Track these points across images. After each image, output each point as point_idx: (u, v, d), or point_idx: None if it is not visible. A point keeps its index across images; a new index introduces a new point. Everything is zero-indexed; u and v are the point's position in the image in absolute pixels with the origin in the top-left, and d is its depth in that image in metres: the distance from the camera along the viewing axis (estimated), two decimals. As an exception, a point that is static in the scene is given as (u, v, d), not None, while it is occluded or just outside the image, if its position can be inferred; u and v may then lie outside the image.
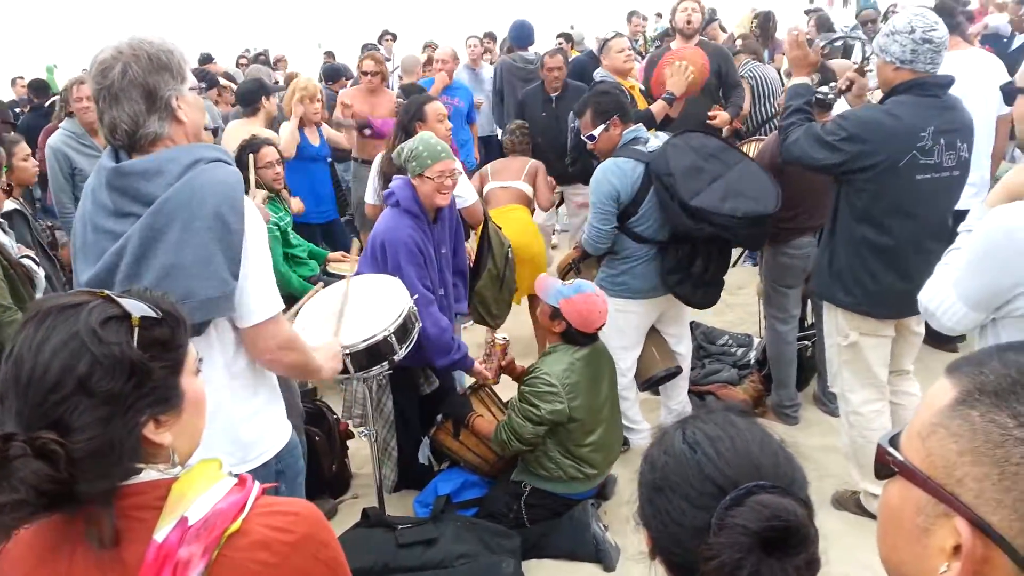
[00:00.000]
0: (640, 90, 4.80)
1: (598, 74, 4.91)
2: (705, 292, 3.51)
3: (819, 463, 3.57)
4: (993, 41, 6.01)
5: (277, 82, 9.00)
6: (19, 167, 4.01)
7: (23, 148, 4.10)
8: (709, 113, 4.90)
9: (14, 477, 0.91)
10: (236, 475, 1.11)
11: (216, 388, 1.86)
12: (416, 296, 2.97)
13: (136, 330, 1.04)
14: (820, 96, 3.40)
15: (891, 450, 0.79)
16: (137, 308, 1.05)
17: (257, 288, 1.83)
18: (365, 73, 5.56)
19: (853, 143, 2.74)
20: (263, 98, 4.88)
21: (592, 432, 3.02)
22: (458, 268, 3.53)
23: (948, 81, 2.75)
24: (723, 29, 8.11)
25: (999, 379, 0.72)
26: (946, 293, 1.77)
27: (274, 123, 5.10)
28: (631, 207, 3.40)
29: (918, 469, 0.75)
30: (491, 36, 10.47)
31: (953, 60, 3.90)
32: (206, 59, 11.20)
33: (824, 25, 7.69)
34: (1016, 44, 6.32)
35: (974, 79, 3.82)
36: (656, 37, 11.30)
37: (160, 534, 1.00)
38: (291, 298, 3.48)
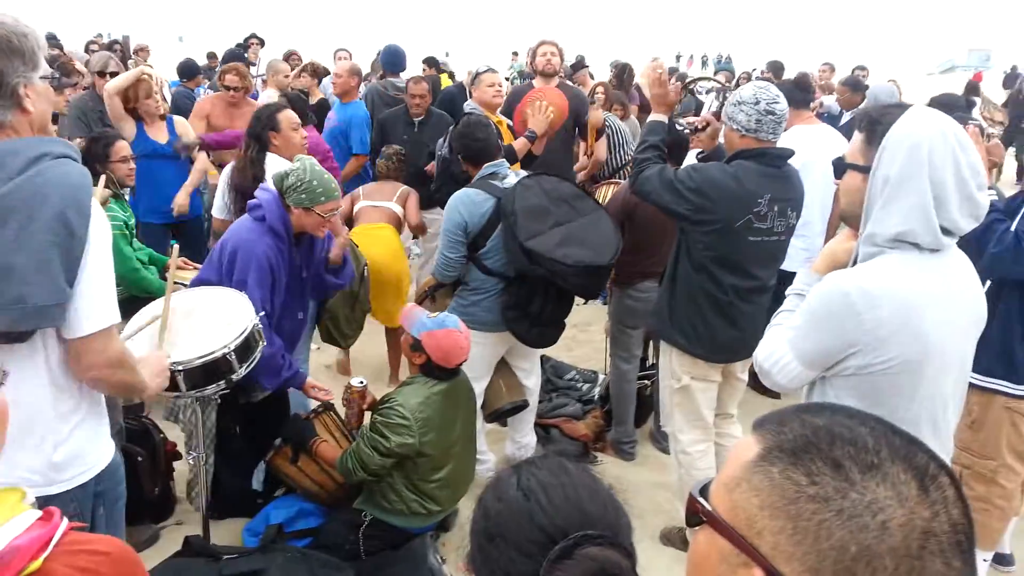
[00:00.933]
0: (508, 125, 4.91)
1: (467, 106, 4.98)
2: (541, 332, 3.56)
3: (650, 498, 3.72)
4: (826, 119, 6.66)
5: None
6: None
7: None
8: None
9: None
10: (41, 508, 1.00)
11: (37, 399, 1.73)
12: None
13: None
14: (677, 130, 3.61)
15: (700, 499, 0.84)
16: None
17: (92, 297, 1.70)
18: (228, 88, 5.29)
19: (699, 196, 2.92)
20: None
21: (441, 468, 2.98)
22: (319, 290, 3.44)
23: (788, 154, 3.00)
24: (591, 76, 8.46)
25: (796, 439, 0.77)
26: (782, 352, 1.87)
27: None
28: (479, 239, 3.44)
29: (723, 519, 0.79)
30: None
31: (803, 133, 4.31)
32: (50, 39, 10.30)
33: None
34: (844, 120, 7.06)
35: (819, 151, 4.22)
36: (516, 75, 11.60)
37: None
38: (151, 299, 3.28)
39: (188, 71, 7.96)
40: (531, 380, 3.87)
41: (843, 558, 0.70)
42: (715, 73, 8.73)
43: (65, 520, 1.01)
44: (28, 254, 1.58)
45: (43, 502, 1.71)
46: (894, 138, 1.70)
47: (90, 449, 1.87)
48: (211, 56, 12.41)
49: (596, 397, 4.44)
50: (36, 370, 1.71)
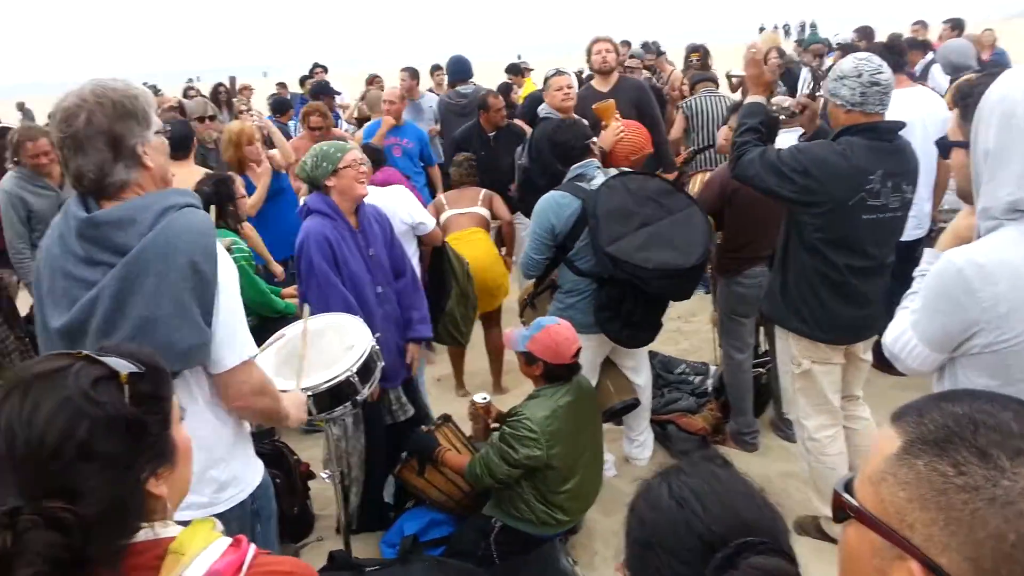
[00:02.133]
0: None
1: (542, 110, 5.01)
2: (633, 333, 3.51)
3: (779, 489, 3.63)
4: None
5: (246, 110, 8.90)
6: None
7: None
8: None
9: (29, 551, 0.89)
10: (231, 536, 1.10)
11: (198, 427, 1.85)
12: (316, 280, 3.07)
13: (126, 387, 1.03)
14: (773, 114, 3.51)
15: (846, 495, 0.85)
16: (121, 365, 1.04)
17: (229, 333, 1.83)
18: (312, 128, 5.51)
19: (805, 177, 2.83)
20: (194, 138, 4.94)
21: (569, 480, 2.99)
22: (396, 268, 3.48)
23: (898, 126, 2.87)
24: (669, 63, 8.33)
25: (938, 429, 0.78)
26: (908, 336, 1.81)
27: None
28: (568, 241, 3.45)
29: (872, 514, 0.80)
30: (438, 68, 10.58)
31: (899, 98, 4.11)
32: (153, 92, 10.99)
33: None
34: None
35: (918, 115, 4.01)
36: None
37: None
38: (281, 319, 3.61)
39: (280, 106, 8.35)
40: (640, 377, 3.84)
41: (1002, 546, 0.70)
42: (806, 47, 8.30)
43: (253, 546, 1.09)
44: (169, 302, 1.71)
45: None
46: (986, 109, 1.63)
47: (245, 469, 2.02)
48: (280, 85, 13.01)
49: (710, 389, 4.37)
50: (194, 403, 1.85)
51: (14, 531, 0.90)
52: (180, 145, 4.76)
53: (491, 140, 5.60)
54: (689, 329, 5.66)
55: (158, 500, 1.06)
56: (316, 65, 11.01)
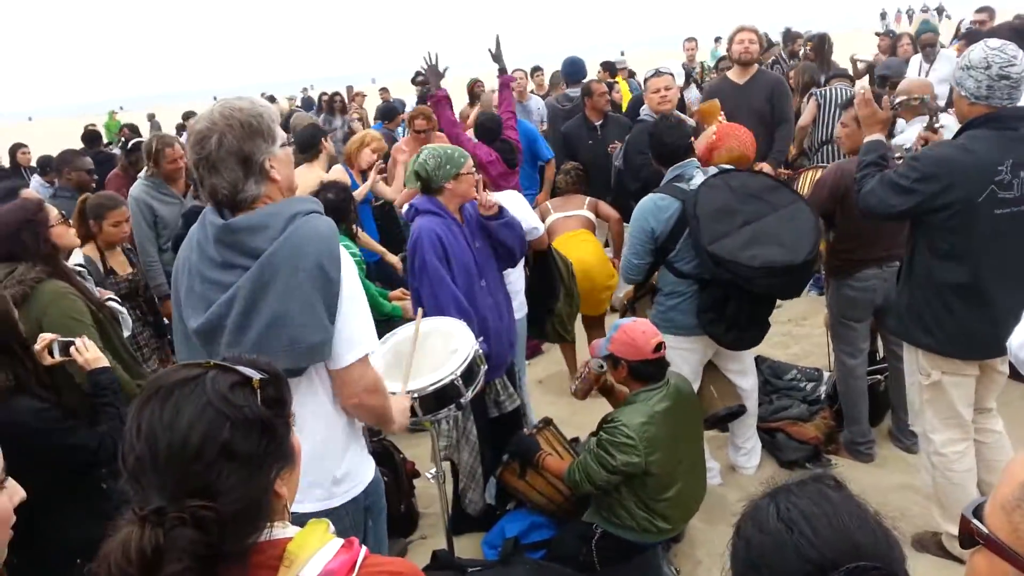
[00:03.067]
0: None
1: (643, 111, 4.95)
2: (738, 335, 3.42)
3: (897, 503, 3.45)
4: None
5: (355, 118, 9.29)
6: (108, 231, 3.83)
7: (119, 213, 3.86)
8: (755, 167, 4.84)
9: (176, 547, 0.97)
10: (344, 536, 1.16)
11: (320, 426, 1.98)
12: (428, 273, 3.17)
13: (258, 392, 1.11)
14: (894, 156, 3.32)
15: (976, 522, 0.81)
16: (252, 372, 1.12)
17: (351, 330, 1.93)
18: (417, 131, 5.66)
19: (928, 183, 2.68)
20: (322, 140, 5.19)
21: (670, 487, 2.95)
22: (498, 257, 3.51)
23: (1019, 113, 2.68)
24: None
25: None
26: None
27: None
28: (668, 243, 3.40)
29: (1006, 544, 0.76)
30: (539, 69, 10.64)
31: None
32: (269, 100, 11.60)
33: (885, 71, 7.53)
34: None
35: None
36: (714, 65, 11.25)
37: None
38: (388, 322, 3.75)
39: (388, 113, 8.60)
40: (746, 381, 3.74)
41: None
42: (919, 35, 7.68)
43: (364, 547, 1.15)
44: (297, 301, 1.83)
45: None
46: None
47: (359, 466, 2.11)
48: (383, 91, 13.43)
49: (823, 396, 4.19)
50: (316, 400, 1.96)
51: (164, 528, 0.97)
52: (308, 147, 5.16)
53: (598, 130, 5.59)
54: (801, 333, 5.44)
55: (280, 500, 1.13)
56: (419, 73, 11.29)
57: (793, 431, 3.93)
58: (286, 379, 1.21)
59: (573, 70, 7.08)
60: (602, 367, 3.20)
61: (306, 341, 1.84)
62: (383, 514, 2.23)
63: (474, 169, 3.35)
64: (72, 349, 2.46)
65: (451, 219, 3.31)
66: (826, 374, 4.34)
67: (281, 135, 1.95)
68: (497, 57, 5.24)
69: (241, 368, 1.12)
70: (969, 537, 0.81)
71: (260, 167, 1.87)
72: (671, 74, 4.89)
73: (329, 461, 2.00)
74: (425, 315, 3.04)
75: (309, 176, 4.69)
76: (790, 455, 3.86)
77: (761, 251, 3.14)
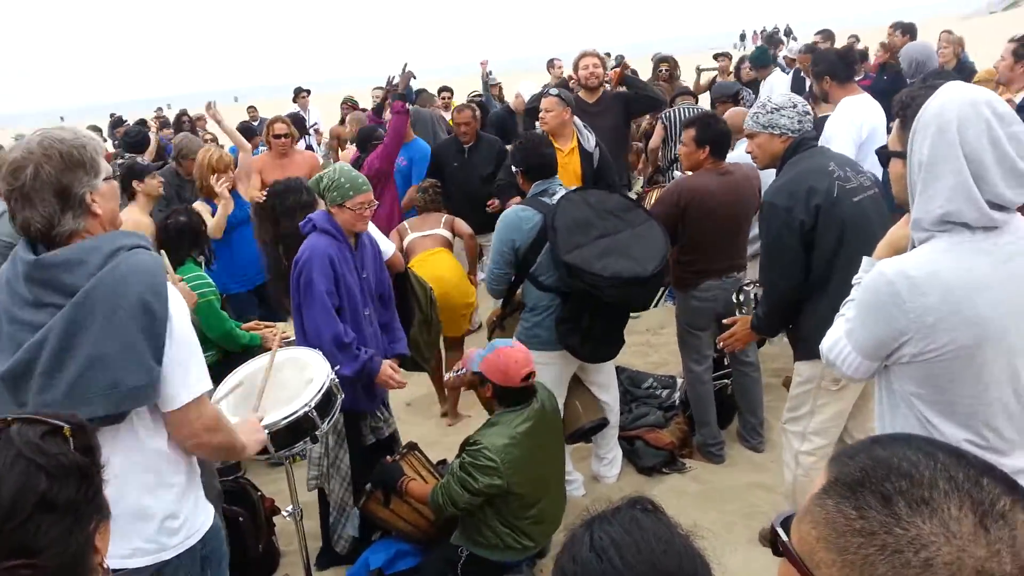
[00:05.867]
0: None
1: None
2: (594, 347, 3.54)
3: (746, 500, 3.65)
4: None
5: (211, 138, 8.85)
6: None
7: None
8: None
9: None
10: None
11: (142, 472, 1.85)
12: (316, 304, 3.10)
13: (71, 440, 1.05)
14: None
15: (779, 529, 0.86)
16: (58, 421, 1.06)
17: (182, 370, 1.83)
18: (276, 136, 5.49)
19: (794, 199, 2.91)
20: (133, 182, 4.43)
21: (533, 505, 2.98)
22: (380, 292, 3.52)
23: (815, 135, 3.12)
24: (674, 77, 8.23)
25: (855, 471, 0.78)
26: (843, 344, 1.85)
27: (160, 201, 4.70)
28: (529, 255, 3.48)
29: (793, 550, 0.81)
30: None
31: (854, 104, 4.26)
32: (117, 123, 10.94)
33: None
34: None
35: (879, 119, 4.28)
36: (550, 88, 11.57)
37: None
38: (247, 352, 3.64)
39: (245, 133, 8.27)
40: (608, 395, 3.85)
41: None
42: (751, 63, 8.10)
43: None
44: (117, 341, 1.72)
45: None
46: (923, 120, 1.67)
47: (194, 514, 1.99)
48: (251, 109, 12.99)
49: (677, 402, 4.39)
50: (139, 446, 1.83)
51: None
52: (122, 188, 4.45)
53: (466, 152, 5.65)
54: (658, 342, 5.68)
55: (98, 555, 1.06)
56: (300, 89, 11.01)
57: (650, 438, 4.08)
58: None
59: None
60: (477, 373, 3.21)
61: (127, 384, 1.72)
62: (224, 561, 2.11)
63: (366, 203, 3.24)
64: None
65: (345, 243, 3.25)
66: (679, 381, 4.55)
67: (106, 168, 1.83)
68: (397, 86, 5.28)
69: (43, 418, 1.06)
70: (774, 545, 0.86)
71: (80, 200, 1.76)
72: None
73: (159, 512, 1.88)
74: (299, 336, 2.97)
75: (127, 219, 4.27)
76: (648, 462, 4.01)
77: (612, 262, 3.28)
